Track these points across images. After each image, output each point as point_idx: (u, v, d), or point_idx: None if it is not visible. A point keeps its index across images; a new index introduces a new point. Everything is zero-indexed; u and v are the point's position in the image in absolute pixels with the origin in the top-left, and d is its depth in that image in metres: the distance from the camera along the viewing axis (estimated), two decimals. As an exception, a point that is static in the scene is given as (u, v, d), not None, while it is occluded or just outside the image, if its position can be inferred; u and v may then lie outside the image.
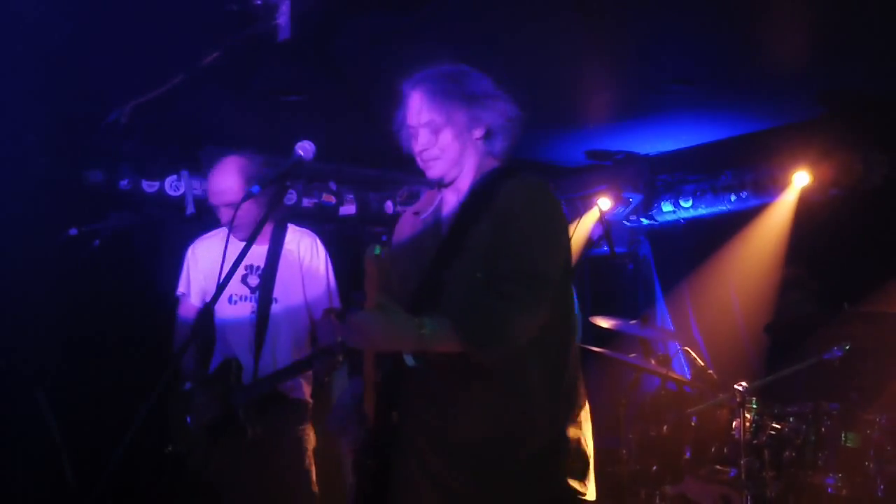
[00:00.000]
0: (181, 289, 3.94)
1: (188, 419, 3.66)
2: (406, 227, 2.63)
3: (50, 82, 4.29)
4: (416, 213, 2.61)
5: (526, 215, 2.34)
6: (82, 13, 3.71)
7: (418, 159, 2.50)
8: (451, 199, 2.51)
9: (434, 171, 2.48)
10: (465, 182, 2.49)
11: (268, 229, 3.77)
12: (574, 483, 2.37)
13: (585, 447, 2.44)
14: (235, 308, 3.75)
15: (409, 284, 2.41)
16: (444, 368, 2.30)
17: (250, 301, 3.75)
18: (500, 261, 2.29)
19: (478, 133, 2.48)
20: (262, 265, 3.77)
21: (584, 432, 2.46)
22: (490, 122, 2.48)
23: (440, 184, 2.52)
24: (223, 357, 3.73)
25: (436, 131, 2.45)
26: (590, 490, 2.42)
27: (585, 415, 2.51)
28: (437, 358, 2.27)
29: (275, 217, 3.76)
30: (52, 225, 4.39)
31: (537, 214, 2.37)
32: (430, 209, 2.56)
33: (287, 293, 3.77)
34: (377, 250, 2.28)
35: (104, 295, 4.78)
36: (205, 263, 3.89)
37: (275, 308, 3.73)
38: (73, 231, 4.21)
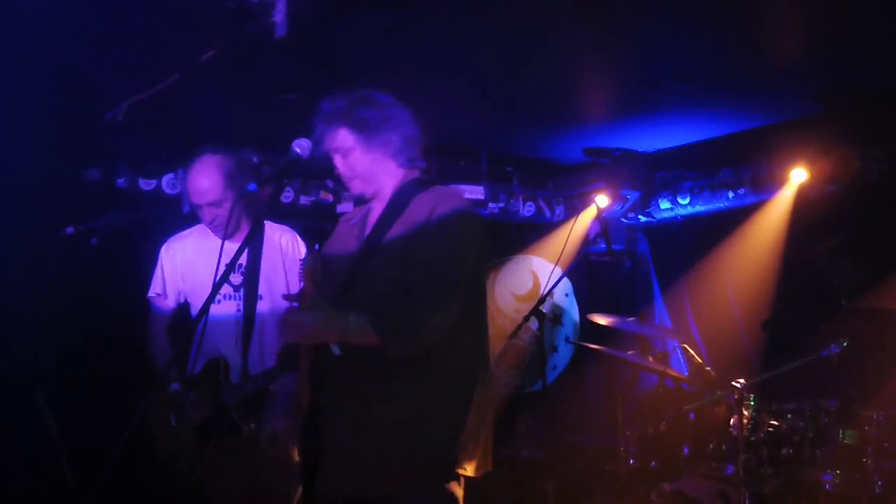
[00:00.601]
0: (155, 290, 3.87)
1: (173, 420, 3.62)
2: (340, 233, 2.91)
3: (47, 80, 4.28)
4: (348, 221, 2.91)
5: (437, 224, 2.61)
6: (79, 11, 3.70)
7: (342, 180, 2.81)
8: (376, 208, 2.80)
9: (353, 189, 2.80)
10: (387, 192, 2.78)
11: (245, 227, 3.74)
12: (467, 463, 2.64)
13: (483, 435, 2.70)
14: (220, 307, 3.70)
15: (336, 282, 2.69)
16: (364, 360, 2.58)
17: (234, 299, 3.72)
18: (414, 266, 2.57)
19: (382, 151, 2.75)
20: (244, 262, 3.74)
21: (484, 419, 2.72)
22: (389, 140, 2.75)
23: (363, 199, 2.82)
24: (207, 357, 3.68)
25: (344, 155, 2.75)
26: (470, 469, 2.67)
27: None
28: (358, 350, 2.57)
29: (251, 215, 3.73)
30: (49, 223, 4.37)
31: (448, 224, 2.62)
32: (359, 217, 2.86)
33: (271, 289, 3.74)
34: (314, 254, 2.63)
35: (102, 293, 4.76)
36: (183, 264, 3.84)
37: (260, 305, 3.71)
38: (70, 229, 4.19)
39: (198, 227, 3.85)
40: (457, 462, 2.62)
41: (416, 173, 2.82)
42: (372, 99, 2.76)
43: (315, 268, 2.62)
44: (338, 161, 2.77)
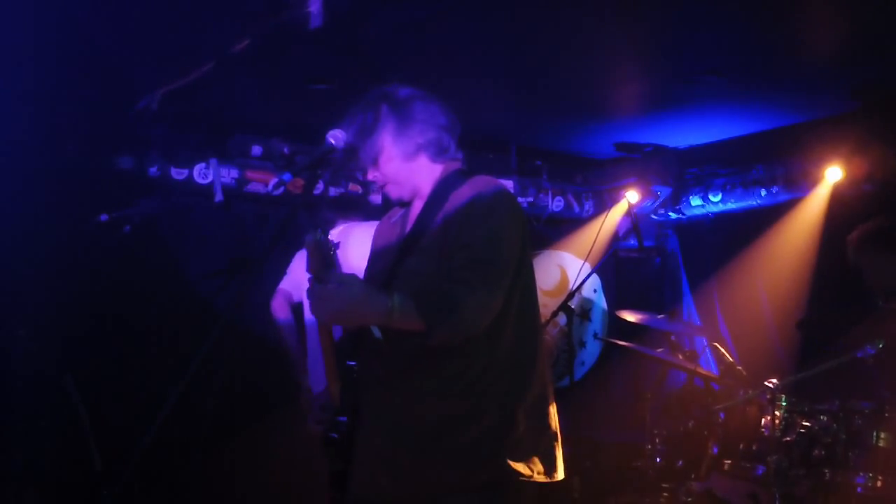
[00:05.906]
0: None
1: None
2: (382, 231, 2.84)
3: (80, 68, 4.31)
4: (389, 219, 2.84)
5: (475, 210, 2.49)
6: (114, -1, 3.73)
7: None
8: (417, 205, 2.69)
9: (390, 194, 2.69)
10: (426, 189, 2.65)
11: None
12: (518, 465, 2.47)
13: (544, 432, 2.58)
14: None
15: (377, 282, 2.56)
16: (404, 354, 2.45)
17: None
18: (455, 252, 2.45)
19: (414, 148, 2.62)
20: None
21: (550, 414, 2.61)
22: (420, 138, 2.62)
23: (401, 203, 2.72)
24: None
25: (374, 162, 2.62)
26: (547, 471, 2.55)
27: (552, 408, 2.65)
28: (398, 339, 2.40)
29: None
30: (82, 211, 4.41)
31: (487, 208, 2.50)
32: (400, 214, 2.79)
33: None
34: (316, 236, 2.36)
35: (133, 281, 4.80)
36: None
37: None
38: (104, 217, 4.24)
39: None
40: (505, 466, 2.46)
41: (456, 165, 2.69)
42: (394, 95, 2.63)
43: (320, 251, 2.35)
44: (370, 168, 2.65)
